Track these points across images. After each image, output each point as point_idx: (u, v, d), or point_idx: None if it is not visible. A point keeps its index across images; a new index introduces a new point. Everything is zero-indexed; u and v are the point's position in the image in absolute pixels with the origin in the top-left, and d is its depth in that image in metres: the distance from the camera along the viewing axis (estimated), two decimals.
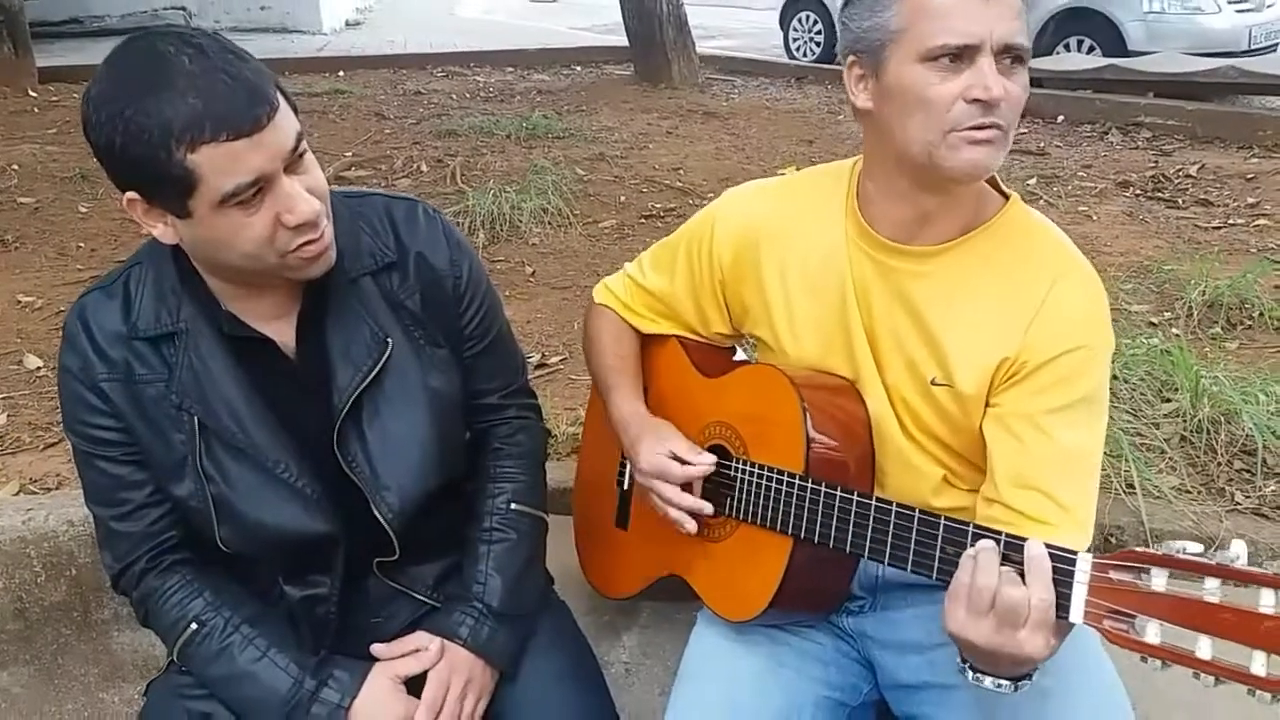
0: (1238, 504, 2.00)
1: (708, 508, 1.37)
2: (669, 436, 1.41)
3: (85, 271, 3.56)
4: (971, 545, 1.07)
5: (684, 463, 1.37)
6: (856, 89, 1.23)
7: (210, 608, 1.31)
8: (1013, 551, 1.04)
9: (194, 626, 1.30)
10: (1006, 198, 1.30)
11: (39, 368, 2.77)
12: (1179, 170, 4.84)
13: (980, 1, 1.12)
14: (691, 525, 1.37)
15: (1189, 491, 2.03)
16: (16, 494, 2.13)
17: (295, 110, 1.14)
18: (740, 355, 1.57)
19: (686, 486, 1.38)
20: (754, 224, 1.39)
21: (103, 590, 1.95)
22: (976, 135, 1.14)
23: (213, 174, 1.07)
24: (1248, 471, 2.09)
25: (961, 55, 1.13)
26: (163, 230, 1.16)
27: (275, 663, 1.29)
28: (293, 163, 1.13)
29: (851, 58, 1.23)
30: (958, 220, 1.26)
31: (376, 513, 1.30)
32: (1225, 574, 0.91)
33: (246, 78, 1.07)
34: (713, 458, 1.37)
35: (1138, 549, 0.98)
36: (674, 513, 1.38)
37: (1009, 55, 1.14)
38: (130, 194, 1.12)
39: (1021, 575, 1.02)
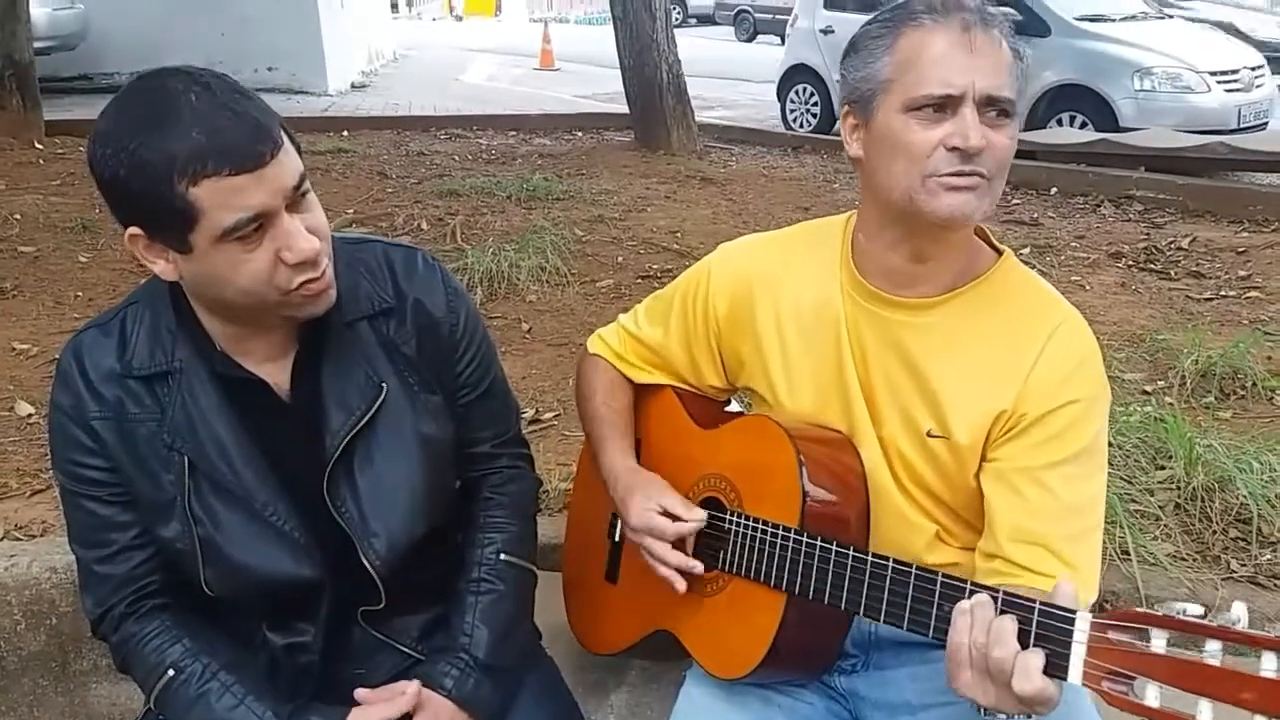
0: (1233, 572, 1.99)
1: (698, 567, 1.34)
2: (660, 492, 1.39)
3: (81, 320, 3.53)
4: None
5: (675, 519, 1.35)
6: (850, 138, 1.27)
7: (188, 654, 1.28)
8: (1011, 608, 1.03)
9: (171, 673, 1.27)
10: (999, 253, 1.31)
11: (30, 414, 2.77)
12: (1171, 243, 4.89)
13: (965, 54, 1.15)
14: (681, 585, 1.35)
15: (1184, 559, 2.02)
16: (0, 540, 2.11)
17: (299, 151, 1.16)
18: (734, 406, 1.57)
19: (679, 544, 1.36)
20: (749, 275, 1.40)
21: (82, 640, 1.92)
22: (955, 182, 1.16)
23: (214, 208, 1.07)
24: (1243, 540, 2.08)
25: (945, 105, 1.15)
26: (163, 267, 1.16)
27: (252, 710, 1.26)
28: (294, 201, 1.13)
29: (846, 107, 1.26)
30: (949, 273, 1.27)
31: (364, 559, 1.29)
32: (1227, 636, 0.89)
33: (251, 115, 1.08)
34: (704, 513, 1.35)
35: (1138, 609, 0.96)
36: (664, 570, 1.36)
37: (993, 108, 1.16)
38: (132, 229, 1.13)
39: (1021, 628, 1.00)
